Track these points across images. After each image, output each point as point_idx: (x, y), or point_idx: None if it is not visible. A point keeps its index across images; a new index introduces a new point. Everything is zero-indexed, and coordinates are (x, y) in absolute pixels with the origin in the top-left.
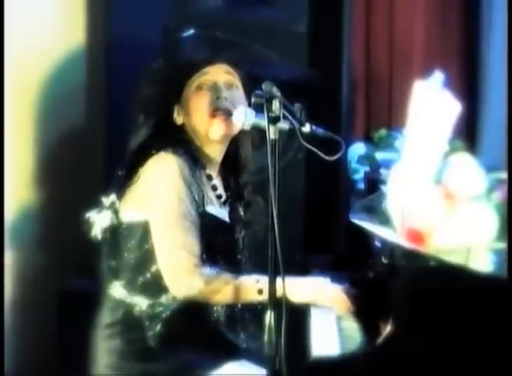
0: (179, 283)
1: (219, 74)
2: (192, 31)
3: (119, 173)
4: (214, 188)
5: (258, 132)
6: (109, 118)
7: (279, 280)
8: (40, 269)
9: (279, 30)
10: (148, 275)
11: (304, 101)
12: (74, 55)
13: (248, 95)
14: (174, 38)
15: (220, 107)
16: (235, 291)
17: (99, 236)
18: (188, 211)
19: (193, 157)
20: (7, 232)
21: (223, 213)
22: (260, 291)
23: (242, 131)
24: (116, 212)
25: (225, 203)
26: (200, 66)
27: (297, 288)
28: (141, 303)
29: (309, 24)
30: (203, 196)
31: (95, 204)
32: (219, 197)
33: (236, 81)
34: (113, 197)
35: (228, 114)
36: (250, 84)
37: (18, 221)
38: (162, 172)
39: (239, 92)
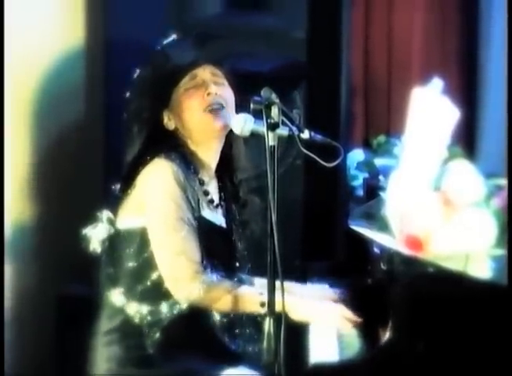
0: (180, 289)
1: (206, 74)
2: (173, 37)
3: (115, 185)
4: (206, 193)
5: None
6: (108, 120)
7: (279, 284)
8: (38, 274)
9: (277, 36)
10: (148, 283)
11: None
12: (73, 54)
13: (235, 93)
14: (159, 45)
15: (212, 102)
16: (236, 301)
17: (98, 249)
18: (185, 216)
19: (186, 161)
20: (6, 239)
21: (217, 217)
22: (262, 304)
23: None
24: (112, 223)
25: (217, 206)
26: (186, 70)
27: (299, 308)
28: (140, 310)
29: (308, 30)
30: (199, 200)
31: (92, 218)
32: (211, 201)
33: (223, 80)
34: (109, 210)
35: (221, 109)
36: (236, 83)
37: (16, 229)
38: (157, 178)
39: (228, 90)
